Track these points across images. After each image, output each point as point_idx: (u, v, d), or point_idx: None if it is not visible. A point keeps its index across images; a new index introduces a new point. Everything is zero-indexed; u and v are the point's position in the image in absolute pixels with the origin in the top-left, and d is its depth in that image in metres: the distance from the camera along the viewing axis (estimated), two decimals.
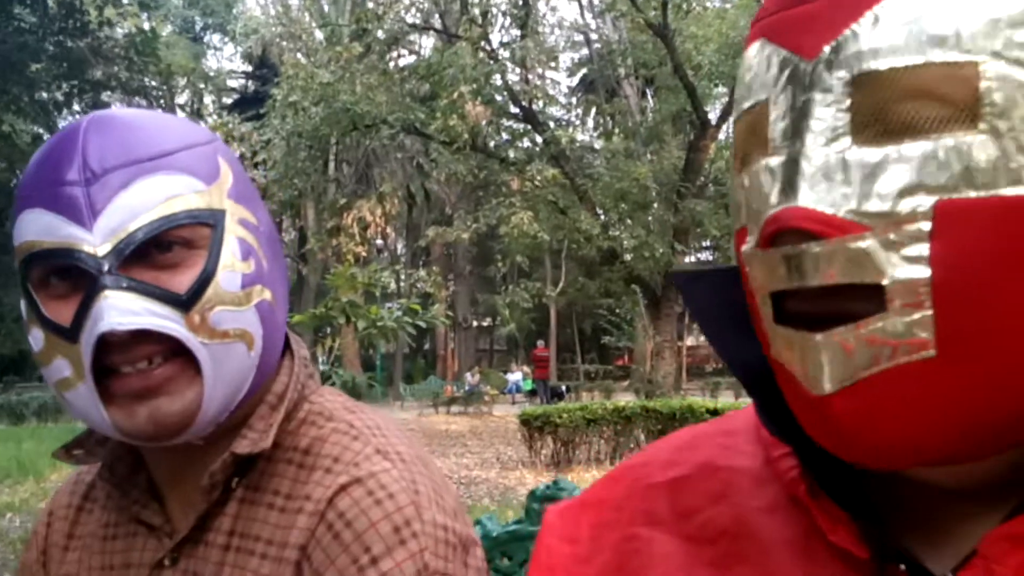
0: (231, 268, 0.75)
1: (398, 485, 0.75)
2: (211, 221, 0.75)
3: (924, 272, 0.40)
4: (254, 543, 0.76)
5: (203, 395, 0.73)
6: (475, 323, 33.06)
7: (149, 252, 0.72)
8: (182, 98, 32.61)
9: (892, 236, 0.40)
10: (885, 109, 0.41)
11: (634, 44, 17.31)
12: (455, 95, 14.01)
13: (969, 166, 0.40)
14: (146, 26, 11.13)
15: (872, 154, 0.41)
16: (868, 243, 0.40)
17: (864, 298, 0.41)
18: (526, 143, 17.85)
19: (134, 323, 0.69)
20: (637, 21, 14.72)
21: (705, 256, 21.46)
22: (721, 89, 16.36)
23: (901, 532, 0.48)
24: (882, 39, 0.41)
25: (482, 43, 15.32)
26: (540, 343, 24.50)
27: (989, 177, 0.39)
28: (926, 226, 0.40)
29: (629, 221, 15.68)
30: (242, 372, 0.76)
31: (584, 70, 28.85)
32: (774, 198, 0.43)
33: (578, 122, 26.09)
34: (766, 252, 0.44)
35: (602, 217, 15.79)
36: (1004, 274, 0.40)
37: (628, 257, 15.04)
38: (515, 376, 25.42)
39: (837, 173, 0.42)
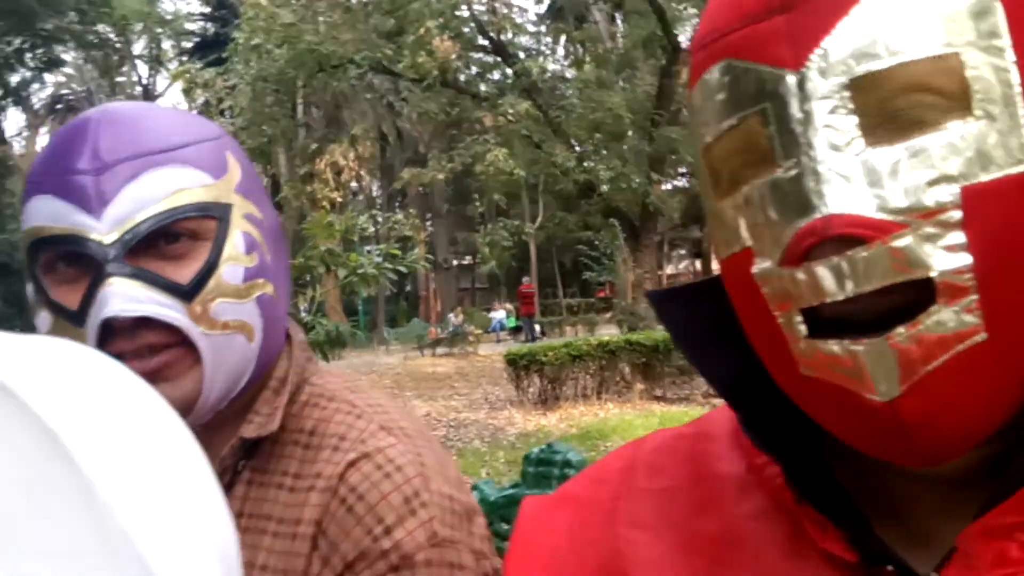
0: (234, 261, 0.77)
1: (405, 458, 0.78)
2: (217, 214, 0.77)
3: (966, 259, 0.41)
4: (265, 522, 0.78)
5: (203, 383, 0.75)
6: (455, 262, 33.01)
7: (155, 242, 0.74)
8: (138, 46, 31.68)
9: (929, 229, 0.41)
10: (889, 107, 0.42)
11: None
12: (422, 30, 13.63)
13: (979, 151, 0.42)
14: None
15: (889, 153, 0.42)
16: (909, 240, 0.41)
17: (907, 293, 0.42)
18: (496, 76, 17.50)
19: (137, 310, 0.72)
20: None
21: (681, 183, 21.33)
22: (692, 11, 16.02)
23: (887, 533, 0.49)
24: (868, 41, 0.42)
25: None
26: (526, 279, 24.42)
27: (999, 159, 0.42)
28: (957, 214, 0.41)
29: (604, 152, 15.49)
30: (242, 362, 0.79)
31: None
32: (797, 212, 0.43)
33: (548, 51, 25.57)
34: (798, 267, 0.43)
35: (577, 150, 15.60)
36: None
37: (605, 189, 14.92)
38: (498, 314, 25.46)
39: (860, 176, 0.42)
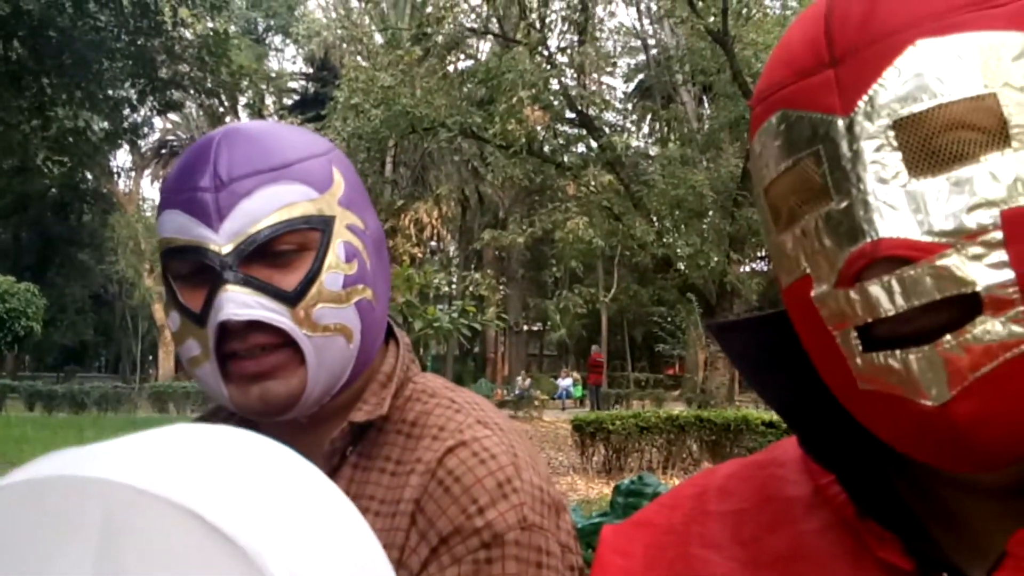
0: (335, 269, 0.84)
1: (499, 448, 0.83)
2: (321, 226, 0.83)
3: (1010, 275, 0.45)
4: (368, 502, 0.84)
5: (307, 381, 0.83)
6: (526, 327, 33.09)
7: (266, 252, 0.81)
8: (243, 98, 33.33)
9: (972, 249, 0.45)
10: (930, 143, 0.47)
11: (692, 50, 17.12)
12: (513, 100, 14.05)
13: (1017, 178, 0.45)
14: (212, 25, 11.38)
15: (931, 183, 0.46)
16: (953, 258, 0.45)
17: (956, 308, 0.45)
18: (581, 148, 17.82)
19: (248, 315, 0.79)
20: (696, 28, 14.59)
21: (760, 266, 21.13)
22: None
23: (942, 542, 0.53)
24: (910, 87, 0.47)
25: (540, 48, 15.34)
26: (595, 348, 24.36)
27: None
28: (998, 235, 0.45)
29: (684, 229, 15.53)
30: (342, 362, 0.85)
31: (641, 76, 28.72)
32: (849, 238, 0.48)
33: (634, 128, 25.91)
34: (851, 288, 0.48)
35: (656, 224, 15.68)
36: None
37: (682, 265, 14.91)
38: (566, 382, 25.37)
39: (905, 204, 0.46)
